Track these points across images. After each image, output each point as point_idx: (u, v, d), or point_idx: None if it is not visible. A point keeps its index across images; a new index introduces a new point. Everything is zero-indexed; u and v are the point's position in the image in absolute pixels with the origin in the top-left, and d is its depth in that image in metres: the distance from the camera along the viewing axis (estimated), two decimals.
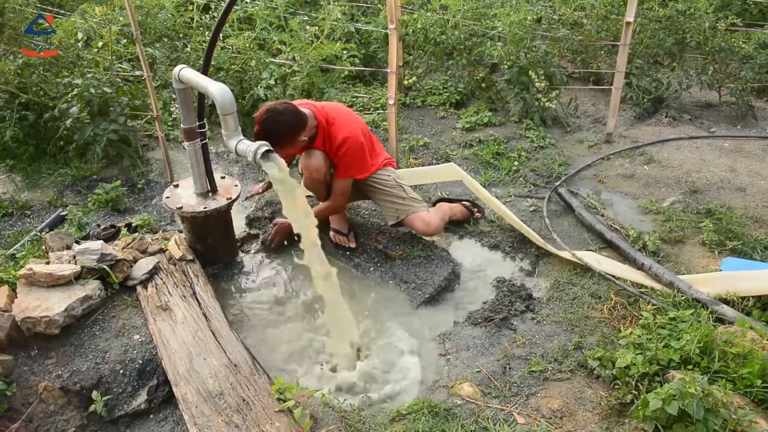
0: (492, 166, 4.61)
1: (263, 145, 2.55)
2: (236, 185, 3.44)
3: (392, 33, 4.10)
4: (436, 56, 5.89)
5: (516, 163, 4.59)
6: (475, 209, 3.92)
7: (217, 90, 2.64)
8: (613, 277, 3.21)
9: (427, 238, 3.65)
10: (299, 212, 2.74)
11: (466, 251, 3.66)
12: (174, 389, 2.46)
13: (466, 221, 3.88)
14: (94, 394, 2.48)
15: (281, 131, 2.98)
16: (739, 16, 5.63)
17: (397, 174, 3.60)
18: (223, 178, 3.51)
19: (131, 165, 4.50)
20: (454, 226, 3.84)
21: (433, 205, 3.87)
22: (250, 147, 2.57)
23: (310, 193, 3.56)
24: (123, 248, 3.19)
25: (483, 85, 5.77)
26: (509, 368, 2.70)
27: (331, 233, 3.64)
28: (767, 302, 2.88)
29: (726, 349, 2.42)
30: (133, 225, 3.61)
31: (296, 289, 3.36)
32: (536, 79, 5.16)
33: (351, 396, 2.67)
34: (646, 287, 3.14)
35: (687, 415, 2.11)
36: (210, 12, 5.77)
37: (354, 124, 3.32)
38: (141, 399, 2.57)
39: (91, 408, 2.47)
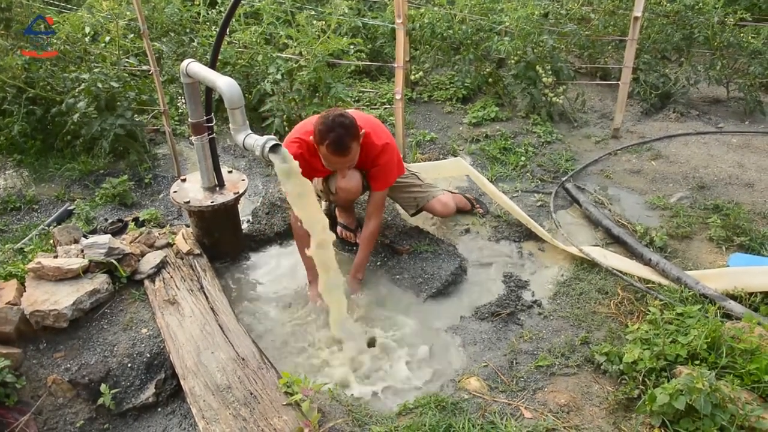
0: (499, 161, 4.60)
1: (271, 139, 2.55)
2: (243, 180, 3.45)
3: (399, 28, 4.09)
4: (443, 51, 5.89)
5: (523, 158, 4.58)
6: (477, 205, 3.93)
7: (225, 84, 2.64)
8: (620, 272, 3.20)
9: (434, 234, 3.66)
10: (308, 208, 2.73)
11: (473, 246, 3.65)
12: (182, 383, 2.47)
13: (467, 212, 3.92)
14: (103, 387, 2.49)
15: (353, 129, 2.86)
16: (748, 11, 5.60)
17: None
18: (230, 172, 3.52)
19: (138, 160, 4.51)
20: (461, 220, 3.84)
21: None
22: (258, 141, 2.56)
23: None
24: (130, 242, 3.21)
25: (490, 80, 5.77)
26: (516, 363, 2.71)
27: (339, 228, 3.64)
28: None
29: (733, 344, 2.41)
30: (141, 219, 3.63)
31: (303, 283, 3.36)
32: (543, 74, 5.15)
33: (358, 389, 2.67)
34: (654, 283, 3.13)
35: (694, 411, 2.10)
36: (217, 7, 5.77)
37: (386, 130, 3.24)
38: (149, 392, 2.58)
39: (100, 401, 2.48)
